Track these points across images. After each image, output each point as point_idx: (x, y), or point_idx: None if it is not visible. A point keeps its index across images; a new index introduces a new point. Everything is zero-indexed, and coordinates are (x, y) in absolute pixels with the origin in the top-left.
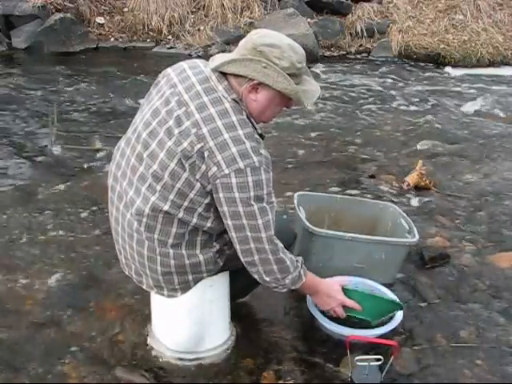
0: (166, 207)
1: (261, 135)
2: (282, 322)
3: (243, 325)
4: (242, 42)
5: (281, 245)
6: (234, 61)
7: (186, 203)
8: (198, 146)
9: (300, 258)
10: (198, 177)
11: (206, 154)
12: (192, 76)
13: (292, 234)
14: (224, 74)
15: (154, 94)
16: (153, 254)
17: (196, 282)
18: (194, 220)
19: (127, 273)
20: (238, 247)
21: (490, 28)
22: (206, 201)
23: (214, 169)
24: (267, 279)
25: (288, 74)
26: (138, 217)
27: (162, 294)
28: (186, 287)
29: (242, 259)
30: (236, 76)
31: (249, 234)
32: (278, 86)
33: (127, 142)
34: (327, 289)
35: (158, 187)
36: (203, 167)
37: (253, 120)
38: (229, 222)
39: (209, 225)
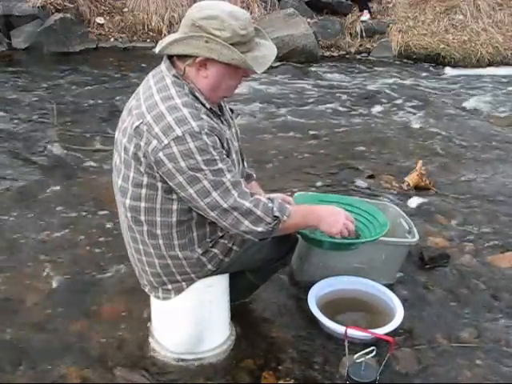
0: (128, 201)
1: (213, 111)
2: (282, 321)
3: (243, 325)
4: (183, 20)
5: (243, 200)
6: (176, 41)
7: (143, 191)
8: (137, 123)
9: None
10: (141, 156)
11: (144, 129)
12: (150, 75)
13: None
14: (171, 57)
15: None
16: (140, 255)
17: (188, 283)
18: (158, 206)
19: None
20: (210, 217)
21: (490, 28)
22: (159, 184)
23: (154, 142)
24: (259, 229)
25: (233, 44)
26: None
27: (158, 297)
28: (178, 289)
29: (224, 228)
30: (179, 56)
31: (208, 200)
32: (224, 59)
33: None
34: (326, 209)
35: (128, 183)
36: (142, 144)
37: (201, 96)
38: (182, 194)
39: (175, 207)
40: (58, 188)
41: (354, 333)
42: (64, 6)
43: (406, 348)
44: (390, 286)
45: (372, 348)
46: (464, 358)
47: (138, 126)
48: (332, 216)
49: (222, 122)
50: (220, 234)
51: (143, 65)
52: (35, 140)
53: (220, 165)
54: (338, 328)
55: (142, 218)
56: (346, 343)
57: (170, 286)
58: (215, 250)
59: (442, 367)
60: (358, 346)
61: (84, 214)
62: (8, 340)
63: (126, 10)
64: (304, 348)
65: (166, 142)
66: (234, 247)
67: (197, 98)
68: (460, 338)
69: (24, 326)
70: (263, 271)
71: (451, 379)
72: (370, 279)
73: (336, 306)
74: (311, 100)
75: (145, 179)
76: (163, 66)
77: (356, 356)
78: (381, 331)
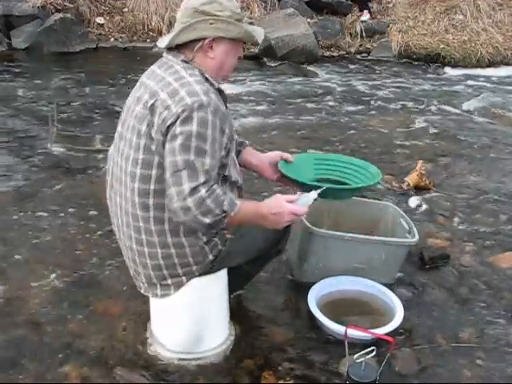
0: (137, 185)
1: (221, 91)
2: (282, 321)
3: (243, 325)
4: (179, 14)
5: (203, 187)
6: (182, 30)
7: (153, 172)
8: (151, 101)
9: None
10: (153, 133)
11: (158, 104)
12: (155, 67)
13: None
14: (171, 50)
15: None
16: (142, 246)
17: (188, 277)
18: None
19: (136, 284)
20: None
21: (490, 28)
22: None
23: (166, 112)
24: (206, 221)
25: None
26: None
27: (156, 295)
28: (178, 284)
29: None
30: (185, 45)
31: (175, 174)
32: (231, 34)
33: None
34: (268, 207)
35: (137, 167)
36: (156, 119)
37: (210, 77)
38: (166, 161)
39: None
40: (57, 188)
41: (354, 333)
42: (64, 6)
43: (406, 348)
44: (389, 286)
45: (372, 348)
46: (464, 358)
47: (152, 104)
48: (274, 216)
49: (226, 106)
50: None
51: (143, 65)
52: (35, 140)
53: (207, 144)
54: (337, 328)
55: (151, 201)
56: (346, 343)
57: (169, 281)
58: (216, 240)
59: (442, 367)
60: (357, 346)
61: (84, 213)
62: (8, 340)
63: (126, 9)
64: (304, 348)
65: (175, 110)
66: (228, 235)
67: (206, 79)
68: (460, 338)
69: (24, 325)
70: (258, 260)
71: (451, 379)
72: (369, 279)
73: (336, 306)
74: (311, 100)
75: (155, 159)
76: (169, 56)
77: (356, 356)
78: (381, 331)
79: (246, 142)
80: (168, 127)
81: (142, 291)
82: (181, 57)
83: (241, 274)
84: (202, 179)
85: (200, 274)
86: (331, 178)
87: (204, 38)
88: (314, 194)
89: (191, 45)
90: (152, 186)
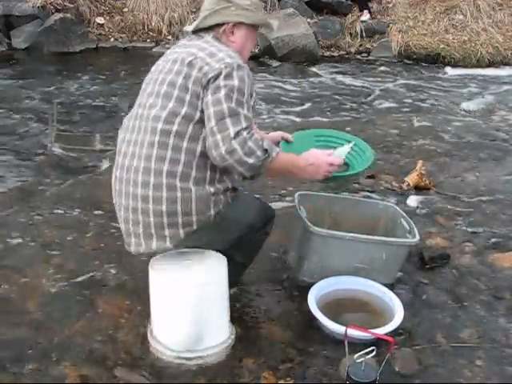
0: (161, 125)
1: None
2: (282, 321)
3: (243, 324)
4: (206, 3)
5: (245, 131)
6: (207, 16)
7: (178, 119)
8: (190, 58)
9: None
10: (190, 84)
11: (198, 61)
12: (184, 41)
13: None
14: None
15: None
16: (147, 189)
17: (186, 231)
18: (189, 131)
19: (128, 242)
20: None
21: (490, 28)
22: (198, 114)
23: (206, 67)
24: (250, 161)
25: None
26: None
27: (150, 249)
28: (175, 235)
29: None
30: (210, 29)
31: (221, 122)
32: (250, 21)
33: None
34: (305, 160)
35: (164, 111)
36: (195, 72)
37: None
38: (210, 110)
39: (202, 135)
40: (57, 188)
41: (354, 333)
42: (64, 6)
43: (406, 348)
44: (389, 286)
45: (372, 348)
46: (464, 358)
47: (190, 61)
48: (311, 166)
49: None
50: (228, 186)
51: (143, 65)
52: (35, 140)
53: (244, 98)
54: (337, 328)
55: (170, 141)
56: (346, 343)
57: (166, 232)
58: (221, 197)
59: (442, 367)
60: (357, 346)
61: (84, 213)
62: (8, 340)
63: (126, 9)
64: (304, 348)
65: (217, 66)
66: (230, 201)
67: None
68: (460, 338)
69: (24, 325)
70: (248, 247)
71: (451, 379)
72: (370, 279)
73: (336, 306)
74: (311, 100)
75: (184, 109)
76: (196, 36)
77: (356, 356)
78: (381, 331)
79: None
80: (209, 80)
81: (133, 248)
82: (211, 34)
83: (233, 267)
84: (244, 124)
85: (196, 230)
86: None
87: (227, 23)
88: (347, 148)
89: (216, 29)
90: (175, 128)
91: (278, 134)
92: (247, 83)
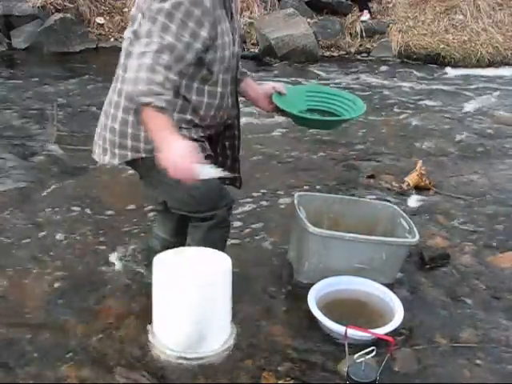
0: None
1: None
2: (282, 322)
3: (243, 325)
4: None
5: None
6: None
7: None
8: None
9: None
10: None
11: None
12: None
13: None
14: None
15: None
16: (109, 106)
17: (133, 154)
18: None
19: (93, 150)
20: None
21: (490, 28)
22: None
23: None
24: (139, 87)
25: None
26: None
27: (104, 160)
28: (123, 155)
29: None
30: None
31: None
32: None
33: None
34: (177, 145)
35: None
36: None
37: None
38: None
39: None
40: (57, 188)
41: (354, 333)
42: (64, 6)
43: (406, 348)
44: (389, 286)
45: (372, 348)
46: (464, 358)
47: None
48: (172, 155)
49: (229, 17)
50: (196, 122)
51: None
52: (35, 140)
53: (173, 26)
54: (337, 328)
55: (127, 62)
56: (346, 343)
57: (117, 151)
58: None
59: (442, 367)
60: (357, 346)
61: (83, 213)
62: (8, 340)
63: (125, 10)
64: (304, 348)
65: None
66: None
67: None
68: (460, 338)
69: (24, 325)
70: (202, 232)
71: (451, 379)
72: (370, 279)
73: (336, 306)
74: None
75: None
76: None
77: (356, 356)
78: (381, 331)
79: (248, 72)
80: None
81: (95, 156)
82: None
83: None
84: (154, 47)
85: (144, 160)
86: (321, 108)
87: None
88: (218, 172)
89: None
90: (135, 49)
91: (271, 85)
92: (184, 9)
